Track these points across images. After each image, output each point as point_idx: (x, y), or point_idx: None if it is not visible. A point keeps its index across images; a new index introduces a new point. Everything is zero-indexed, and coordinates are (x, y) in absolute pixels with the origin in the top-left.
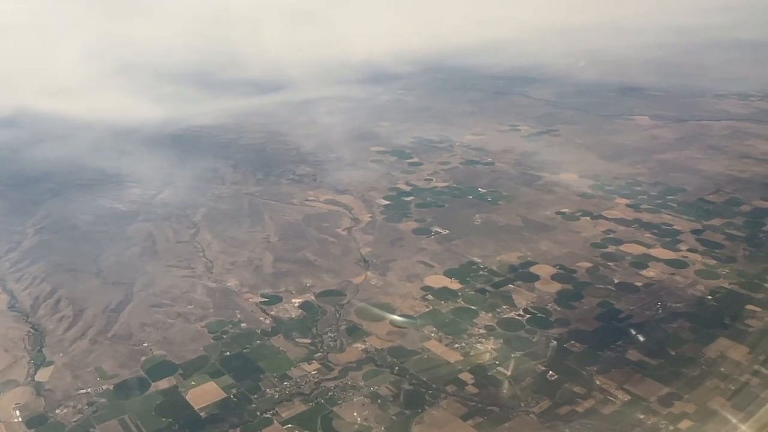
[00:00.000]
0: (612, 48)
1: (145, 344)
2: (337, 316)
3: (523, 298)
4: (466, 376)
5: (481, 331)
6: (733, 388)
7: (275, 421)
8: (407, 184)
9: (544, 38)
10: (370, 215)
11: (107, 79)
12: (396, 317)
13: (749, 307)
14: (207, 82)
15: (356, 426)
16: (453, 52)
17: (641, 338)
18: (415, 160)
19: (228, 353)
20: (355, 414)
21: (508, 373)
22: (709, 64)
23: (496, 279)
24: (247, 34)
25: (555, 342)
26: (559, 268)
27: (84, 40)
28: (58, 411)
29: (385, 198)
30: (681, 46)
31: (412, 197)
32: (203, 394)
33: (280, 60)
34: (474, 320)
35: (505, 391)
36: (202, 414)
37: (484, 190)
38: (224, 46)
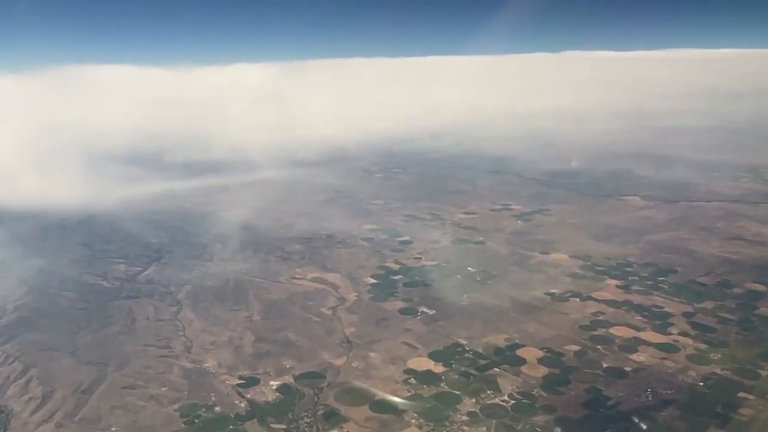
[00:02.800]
0: (579, 133)
1: (113, 429)
2: (316, 399)
3: (508, 383)
4: None
5: (464, 417)
6: None
7: None
8: (396, 262)
9: (502, 122)
10: (357, 294)
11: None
12: (377, 400)
13: (742, 394)
14: (178, 164)
15: None
16: (415, 136)
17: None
18: (406, 238)
19: None
20: None
21: None
22: (688, 148)
23: (482, 362)
24: (213, 116)
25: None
26: (546, 351)
27: (35, 122)
28: None
29: (372, 276)
30: (643, 131)
31: (400, 276)
32: None
33: (251, 141)
34: (457, 406)
35: None
36: None
37: (474, 269)
38: (190, 129)
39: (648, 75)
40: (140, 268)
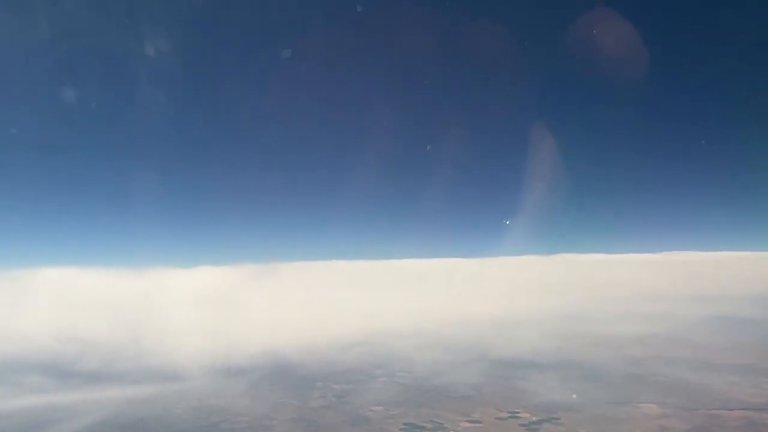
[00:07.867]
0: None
1: None
2: None
3: None
4: None
5: None
6: None
7: None
8: None
9: (446, 329)
10: None
11: None
12: None
13: None
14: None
15: None
16: (404, 334)
17: None
18: None
19: None
20: None
21: None
22: (692, 349)
23: None
24: (151, 321)
25: None
26: None
27: None
28: None
29: None
30: (628, 335)
31: None
32: None
33: (190, 346)
34: None
35: None
36: None
37: None
38: (119, 333)
39: (628, 277)
40: None
